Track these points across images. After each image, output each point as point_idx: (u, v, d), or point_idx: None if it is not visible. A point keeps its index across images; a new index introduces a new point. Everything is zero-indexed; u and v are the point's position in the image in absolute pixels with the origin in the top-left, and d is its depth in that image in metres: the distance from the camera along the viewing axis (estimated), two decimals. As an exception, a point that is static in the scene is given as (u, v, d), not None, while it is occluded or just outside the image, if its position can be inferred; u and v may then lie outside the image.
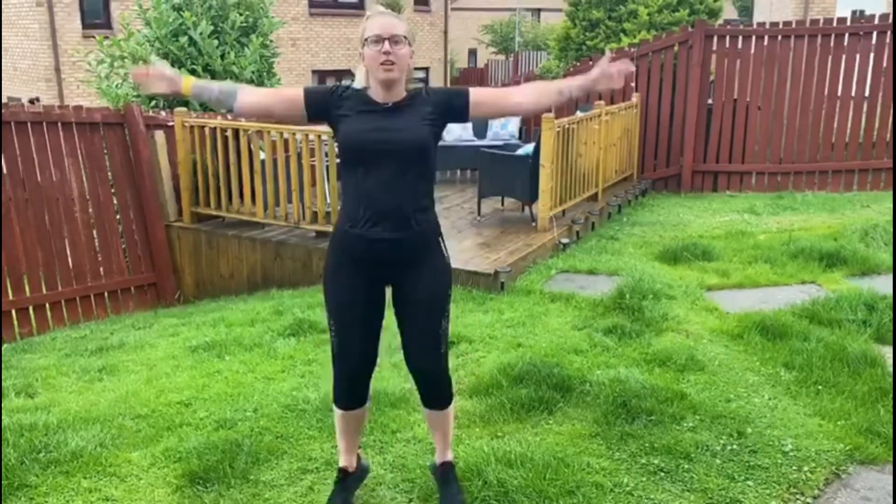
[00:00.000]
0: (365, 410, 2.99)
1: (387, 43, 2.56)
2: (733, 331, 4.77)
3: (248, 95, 2.76)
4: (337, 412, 2.96)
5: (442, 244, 2.82)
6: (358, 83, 2.73)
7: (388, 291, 2.86)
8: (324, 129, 6.99)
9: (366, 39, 2.60)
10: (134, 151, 7.62)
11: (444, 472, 3.01)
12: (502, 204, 8.27)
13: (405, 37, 2.60)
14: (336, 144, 2.76)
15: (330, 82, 20.15)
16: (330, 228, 6.78)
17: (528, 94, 2.79)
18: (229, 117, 8.97)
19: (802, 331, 4.64)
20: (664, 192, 9.98)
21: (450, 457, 3.04)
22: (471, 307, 5.45)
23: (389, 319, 2.89)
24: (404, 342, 2.83)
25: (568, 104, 10.30)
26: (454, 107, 2.74)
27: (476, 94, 2.76)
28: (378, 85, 2.64)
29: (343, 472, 3.02)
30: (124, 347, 5.38)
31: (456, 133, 9.71)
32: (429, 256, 2.76)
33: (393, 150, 2.61)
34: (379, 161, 2.61)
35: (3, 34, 16.65)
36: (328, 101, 2.72)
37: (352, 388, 2.89)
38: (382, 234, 2.64)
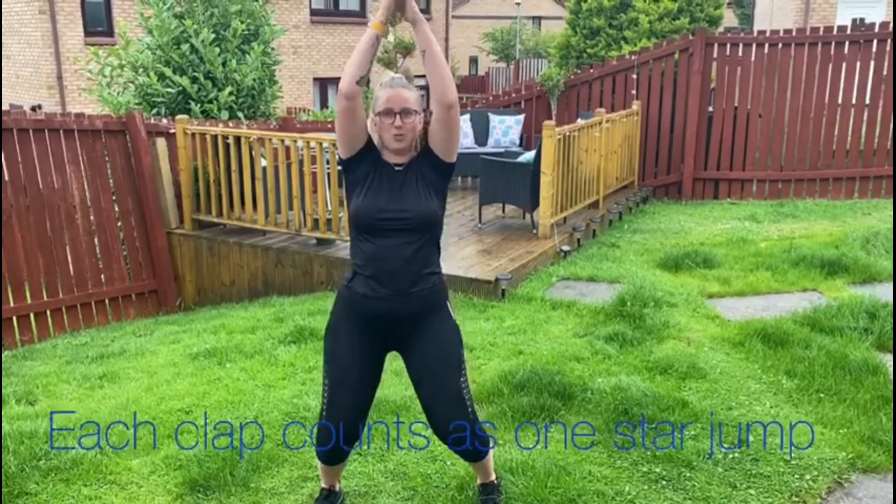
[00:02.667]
0: (343, 465, 3.02)
1: (398, 117, 2.65)
2: (735, 338, 4.77)
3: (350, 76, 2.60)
4: (319, 463, 2.96)
5: (449, 307, 2.84)
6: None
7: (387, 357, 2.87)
8: (324, 136, 7.01)
9: (378, 112, 2.67)
10: (135, 158, 7.63)
11: (486, 491, 3.03)
12: (503, 211, 8.27)
13: (415, 109, 2.68)
14: (346, 210, 2.77)
15: (331, 90, 20.25)
16: (331, 235, 6.81)
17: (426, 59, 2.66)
18: (231, 124, 9.00)
19: (804, 338, 4.64)
20: (665, 200, 9.98)
21: (490, 478, 3.05)
22: (472, 314, 5.45)
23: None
24: (428, 410, 2.79)
25: (570, 113, 10.33)
26: (435, 163, 2.75)
27: (436, 122, 2.73)
28: (389, 152, 2.72)
29: (329, 491, 3.06)
30: (125, 354, 5.38)
31: (457, 140, 9.71)
32: (436, 319, 2.77)
33: (403, 225, 2.67)
34: (389, 234, 2.67)
35: (5, 42, 16.71)
36: (369, 161, 2.72)
37: (335, 445, 2.81)
38: (389, 295, 2.68)
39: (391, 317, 2.72)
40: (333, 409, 2.79)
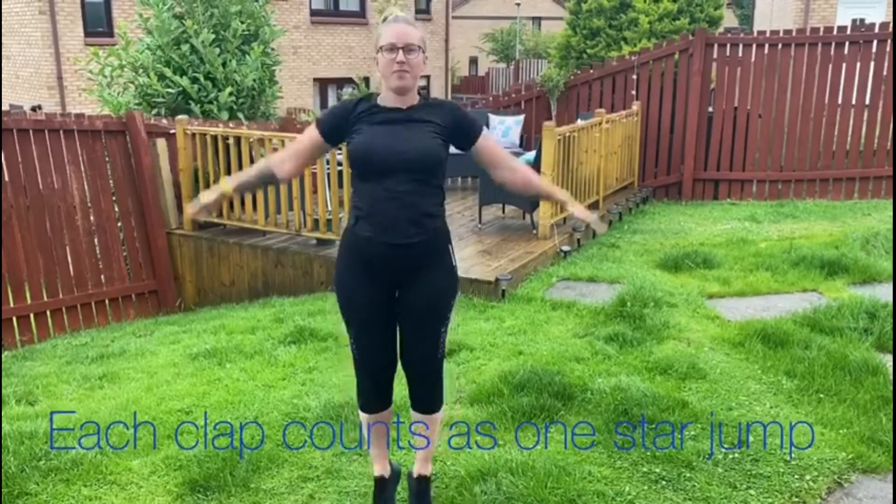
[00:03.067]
0: (391, 412, 3.02)
1: (401, 52, 2.59)
2: (734, 339, 4.77)
3: (282, 164, 2.82)
4: (363, 417, 2.98)
5: (451, 251, 2.83)
6: (373, 88, 2.79)
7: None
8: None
9: (380, 47, 2.62)
10: (135, 159, 7.63)
11: (420, 486, 3.03)
12: (503, 211, 8.27)
13: (419, 45, 2.63)
14: (346, 152, 2.78)
15: (331, 90, 20.26)
16: (331, 236, 6.81)
17: (520, 176, 2.85)
18: (231, 124, 9.00)
19: (804, 339, 4.64)
20: (665, 200, 9.98)
21: (428, 470, 3.07)
22: (472, 315, 5.45)
23: None
24: (402, 342, 2.85)
25: (569, 113, 10.34)
26: (462, 133, 2.75)
27: (487, 141, 2.79)
28: (391, 91, 2.67)
29: (381, 481, 3.05)
30: (125, 355, 5.38)
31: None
32: (437, 262, 2.77)
33: (404, 162, 2.62)
34: (388, 172, 2.63)
35: (5, 42, 16.71)
36: (342, 122, 2.73)
37: (377, 389, 2.91)
38: (392, 239, 2.65)
39: (394, 261, 2.71)
40: (364, 350, 2.83)
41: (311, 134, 2.77)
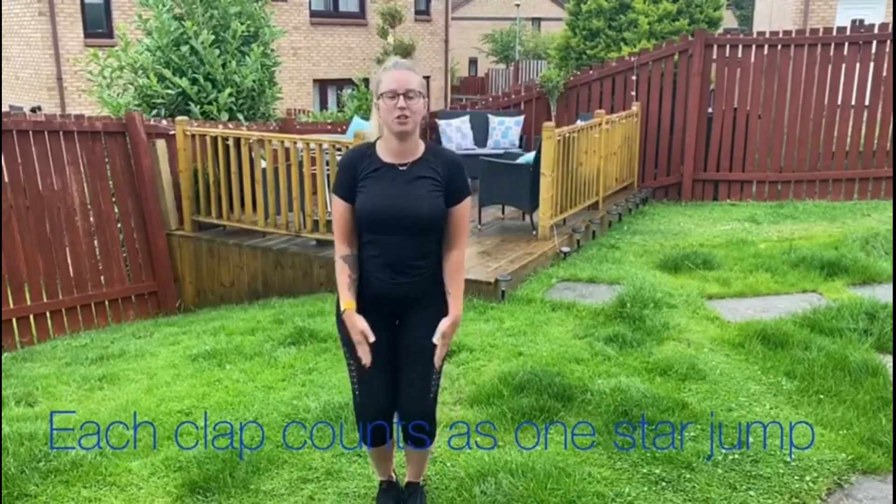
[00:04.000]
0: (393, 441, 3.04)
1: (402, 98, 2.62)
2: (734, 340, 4.77)
3: (348, 247, 2.77)
4: (369, 449, 3.01)
5: (445, 293, 2.85)
6: (371, 130, 2.82)
7: None
8: (325, 137, 7.01)
9: (381, 94, 2.66)
10: (135, 160, 7.63)
11: (410, 489, 3.10)
12: (503, 212, 8.27)
13: (419, 91, 2.66)
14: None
15: (330, 91, 20.26)
16: (331, 237, 6.79)
17: (452, 260, 2.79)
18: (231, 125, 9.00)
19: (803, 340, 4.64)
20: (665, 201, 9.98)
21: (421, 480, 3.12)
22: (471, 316, 5.45)
23: None
24: (398, 381, 2.85)
25: (569, 114, 10.34)
26: (451, 191, 2.75)
27: (462, 212, 2.78)
28: (392, 136, 2.70)
29: (386, 483, 3.13)
30: (125, 356, 5.38)
31: (456, 142, 9.73)
32: (434, 301, 2.80)
33: (409, 223, 2.68)
34: (395, 231, 2.69)
35: (5, 43, 16.71)
36: (355, 183, 2.74)
37: (377, 426, 2.90)
38: (393, 277, 2.73)
39: (394, 295, 2.76)
40: (365, 391, 2.85)
41: (340, 207, 2.76)
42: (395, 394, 2.86)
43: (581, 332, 5.00)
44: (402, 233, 2.69)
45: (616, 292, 5.61)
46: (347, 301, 2.74)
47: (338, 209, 2.77)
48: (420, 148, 2.75)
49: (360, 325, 2.70)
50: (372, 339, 2.69)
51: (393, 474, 3.15)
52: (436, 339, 2.73)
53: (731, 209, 9.26)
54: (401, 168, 2.71)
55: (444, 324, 2.74)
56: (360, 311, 2.77)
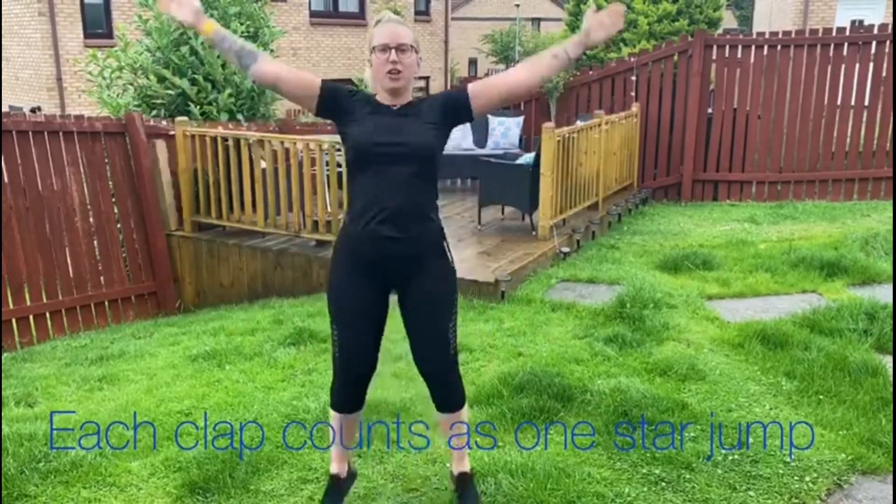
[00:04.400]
0: (359, 416, 2.99)
1: (393, 52, 2.61)
2: (734, 340, 4.77)
3: (267, 64, 2.72)
4: (333, 415, 2.95)
5: (447, 248, 2.84)
6: (368, 87, 2.81)
7: (393, 299, 2.87)
8: (325, 137, 7.01)
9: (373, 48, 2.65)
10: (135, 160, 7.63)
11: (462, 481, 3.01)
12: (503, 213, 8.27)
13: (411, 45, 2.65)
14: (344, 148, 2.77)
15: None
16: (331, 237, 6.80)
17: (524, 70, 2.77)
18: (230, 126, 9.00)
19: (803, 340, 4.64)
20: (664, 201, 9.98)
21: (466, 467, 3.04)
22: (471, 316, 5.45)
23: (391, 327, 2.89)
24: (413, 345, 2.84)
25: (569, 114, 10.34)
26: (456, 107, 2.75)
27: (474, 87, 2.78)
28: (384, 91, 2.70)
29: (335, 479, 3.03)
30: (124, 356, 5.38)
31: (456, 142, 9.72)
32: (434, 259, 2.78)
33: (400, 154, 2.64)
34: (386, 164, 2.65)
35: (5, 44, 16.70)
36: (342, 101, 2.74)
37: (351, 390, 2.88)
38: (389, 233, 2.66)
39: (390, 257, 2.71)
40: (346, 351, 2.81)
41: (312, 78, 2.74)
42: (374, 359, 2.84)
43: (581, 332, 5.00)
44: (391, 164, 2.63)
45: (616, 293, 5.61)
46: (213, 22, 2.71)
47: (308, 75, 2.75)
48: (410, 100, 2.76)
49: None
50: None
51: (346, 466, 3.05)
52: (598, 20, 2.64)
53: (730, 209, 9.26)
54: (394, 107, 2.71)
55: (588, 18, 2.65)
56: (347, 273, 2.75)
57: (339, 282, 2.80)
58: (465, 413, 2.98)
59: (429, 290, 2.76)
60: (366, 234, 2.69)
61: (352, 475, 3.13)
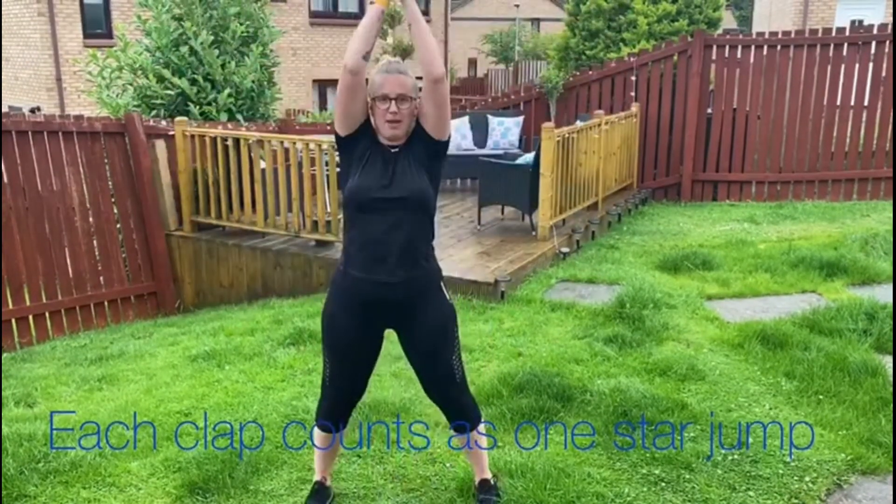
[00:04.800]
0: (341, 435, 3.07)
1: (393, 103, 2.67)
2: (734, 340, 4.77)
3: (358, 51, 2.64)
4: (316, 430, 3.03)
5: (444, 288, 2.88)
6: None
7: (387, 332, 2.92)
8: (325, 138, 7.01)
9: (374, 97, 2.69)
10: (134, 160, 7.63)
11: (484, 488, 3.06)
12: (502, 213, 8.27)
13: (411, 95, 2.70)
14: (342, 187, 2.81)
15: (330, 92, 20.24)
16: (330, 237, 6.81)
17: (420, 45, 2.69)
18: (230, 126, 9.00)
19: (803, 340, 4.64)
20: (664, 202, 9.98)
21: (487, 475, 3.09)
22: (471, 316, 5.45)
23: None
24: (420, 378, 2.92)
25: (569, 115, 10.34)
26: (423, 139, 2.75)
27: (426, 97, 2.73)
28: (384, 138, 2.75)
29: (320, 485, 3.10)
30: (124, 357, 5.37)
31: (456, 142, 9.72)
32: (431, 300, 2.82)
33: (397, 203, 2.69)
34: (383, 212, 2.70)
35: (4, 44, 16.70)
36: (367, 134, 2.76)
37: (336, 414, 2.97)
38: (386, 279, 2.71)
39: (387, 302, 2.76)
40: (335, 384, 2.91)
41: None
42: (363, 389, 2.95)
43: (580, 332, 5.00)
44: (390, 213, 2.67)
45: (615, 293, 5.61)
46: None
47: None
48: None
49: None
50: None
51: (328, 477, 3.14)
52: None
53: (730, 209, 9.26)
54: (392, 149, 2.74)
55: None
56: (342, 315, 2.81)
57: (334, 324, 2.86)
58: (479, 429, 3.02)
59: (429, 329, 2.82)
60: (362, 279, 2.74)
61: (331, 490, 3.16)
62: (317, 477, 3.12)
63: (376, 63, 2.80)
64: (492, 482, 3.08)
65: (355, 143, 2.75)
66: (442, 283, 2.88)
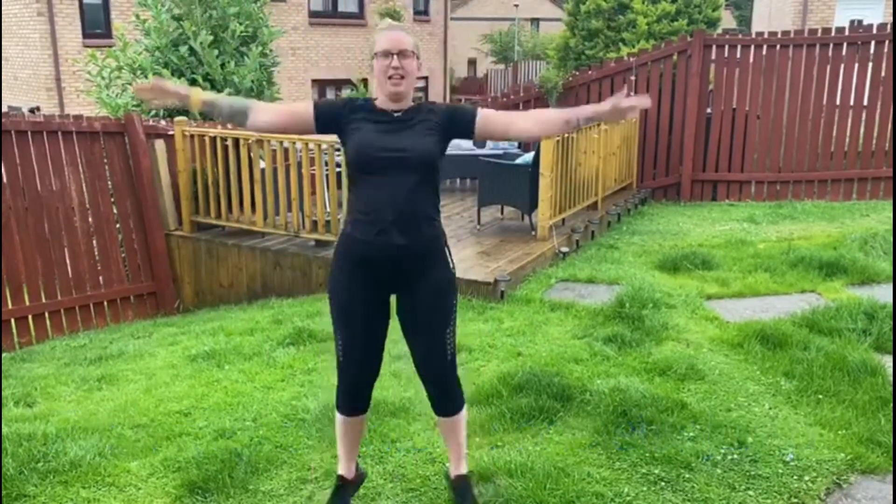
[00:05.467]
0: (365, 418, 3.02)
1: (395, 58, 2.67)
2: (733, 340, 4.77)
3: (261, 114, 2.81)
4: (338, 418, 2.98)
5: (447, 253, 2.86)
6: (371, 92, 2.84)
7: (392, 300, 2.88)
8: (324, 138, 7.01)
9: (376, 53, 2.70)
10: (134, 160, 7.63)
11: (460, 486, 3.02)
12: (502, 213, 8.27)
13: (412, 51, 2.70)
14: (344, 154, 2.80)
15: (329, 91, 20.25)
16: (330, 237, 6.80)
17: (536, 122, 2.86)
18: (229, 126, 8.99)
19: (802, 340, 4.64)
20: (663, 201, 9.98)
21: (464, 469, 3.04)
22: (470, 316, 5.45)
23: (390, 326, 2.90)
24: (412, 349, 2.88)
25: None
26: (459, 122, 2.80)
27: (485, 113, 2.83)
28: (386, 96, 2.73)
29: (342, 480, 3.04)
30: (123, 356, 5.37)
31: (455, 142, 9.69)
32: (434, 264, 2.80)
33: (400, 161, 2.67)
34: (386, 171, 2.68)
35: (4, 44, 16.69)
36: (340, 115, 2.78)
37: (355, 394, 2.92)
38: (389, 240, 2.68)
39: (390, 262, 2.73)
40: (349, 356, 2.86)
41: (305, 107, 2.80)
42: (377, 365, 2.89)
43: (580, 332, 5.00)
44: (391, 171, 2.67)
45: (615, 292, 5.61)
46: (199, 91, 2.80)
47: (300, 105, 2.83)
48: (411, 105, 2.79)
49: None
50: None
51: (353, 467, 3.07)
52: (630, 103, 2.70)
53: (729, 209, 9.26)
54: (395, 114, 2.74)
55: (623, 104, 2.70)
56: (348, 280, 2.78)
57: (340, 287, 2.82)
58: (465, 416, 3.00)
59: (429, 296, 2.79)
60: (366, 240, 2.71)
61: (360, 476, 3.14)
62: (340, 471, 3.04)
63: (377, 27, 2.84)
64: (469, 480, 3.03)
65: (330, 124, 2.77)
66: (446, 249, 2.85)
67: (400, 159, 2.66)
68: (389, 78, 2.67)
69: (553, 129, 2.94)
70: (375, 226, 2.68)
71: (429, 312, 2.80)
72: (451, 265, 2.86)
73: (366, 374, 2.90)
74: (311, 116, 2.78)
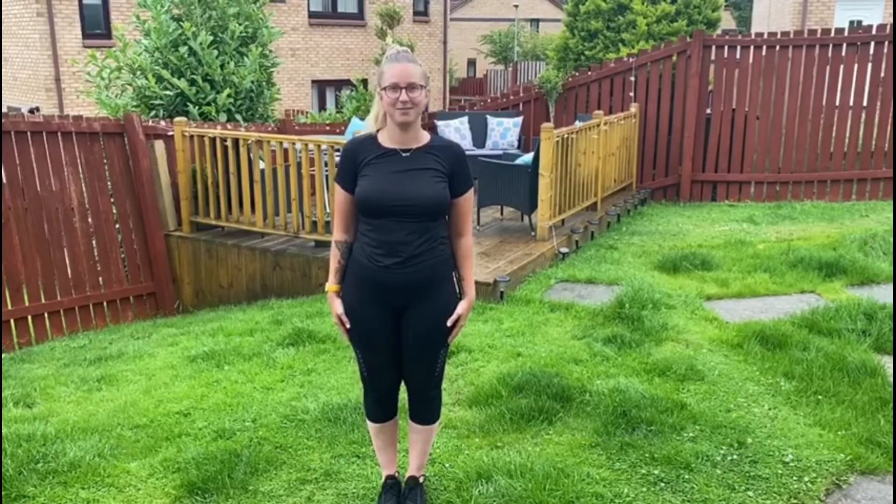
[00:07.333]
0: (397, 418, 3.13)
1: (403, 92, 2.67)
2: (733, 340, 4.77)
3: (345, 233, 2.87)
4: (372, 426, 3.10)
5: (455, 279, 2.90)
6: (368, 126, 2.84)
7: None
8: (324, 138, 7.01)
9: (384, 87, 2.70)
10: (133, 161, 7.63)
11: (411, 485, 3.12)
12: (501, 213, 8.28)
13: (421, 84, 2.71)
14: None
15: (329, 92, 20.25)
16: (329, 238, 6.79)
17: (463, 246, 2.89)
18: (229, 126, 9.00)
19: (802, 340, 4.64)
20: (663, 202, 9.99)
21: (419, 473, 3.16)
22: (470, 316, 5.40)
23: None
24: (405, 357, 2.94)
25: (568, 115, 10.34)
26: (456, 183, 2.81)
27: (466, 203, 2.86)
28: (395, 126, 2.74)
29: (390, 478, 3.14)
30: (123, 357, 5.37)
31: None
32: (441, 288, 2.84)
33: (411, 209, 2.71)
34: (396, 216, 2.72)
35: (3, 44, 16.69)
36: (356, 171, 2.79)
37: (384, 403, 3.05)
38: (398, 267, 2.74)
39: (399, 286, 2.78)
40: (373, 374, 2.98)
41: (341, 196, 2.85)
42: (399, 375, 2.99)
43: (580, 332, 5.00)
44: (402, 218, 2.71)
45: (615, 293, 5.61)
46: (331, 285, 2.89)
47: (338, 198, 2.86)
48: (423, 137, 2.80)
49: (337, 310, 2.87)
50: (348, 325, 2.86)
51: (397, 472, 3.17)
52: (450, 322, 2.83)
53: (729, 210, 9.27)
54: (403, 154, 2.75)
55: (460, 307, 2.85)
56: (360, 301, 2.84)
57: (355, 311, 2.87)
58: (436, 428, 3.13)
59: (431, 316, 2.84)
60: (374, 267, 2.76)
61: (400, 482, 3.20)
62: (386, 472, 3.15)
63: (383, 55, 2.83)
64: (421, 482, 3.14)
65: (359, 173, 2.78)
66: (454, 274, 2.89)
67: (411, 206, 2.70)
68: (398, 109, 2.69)
69: (463, 259, 2.91)
70: (386, 258, 2.74)
71: (427, 333, 2.86)
72: (458, 291, 2.90)
73: (388, 382, 3.01)
74: (350, 194, 2.80)
